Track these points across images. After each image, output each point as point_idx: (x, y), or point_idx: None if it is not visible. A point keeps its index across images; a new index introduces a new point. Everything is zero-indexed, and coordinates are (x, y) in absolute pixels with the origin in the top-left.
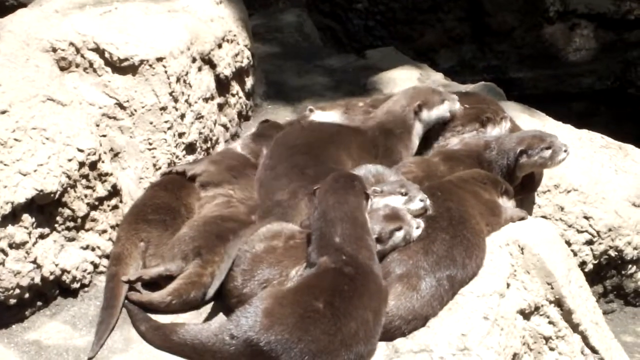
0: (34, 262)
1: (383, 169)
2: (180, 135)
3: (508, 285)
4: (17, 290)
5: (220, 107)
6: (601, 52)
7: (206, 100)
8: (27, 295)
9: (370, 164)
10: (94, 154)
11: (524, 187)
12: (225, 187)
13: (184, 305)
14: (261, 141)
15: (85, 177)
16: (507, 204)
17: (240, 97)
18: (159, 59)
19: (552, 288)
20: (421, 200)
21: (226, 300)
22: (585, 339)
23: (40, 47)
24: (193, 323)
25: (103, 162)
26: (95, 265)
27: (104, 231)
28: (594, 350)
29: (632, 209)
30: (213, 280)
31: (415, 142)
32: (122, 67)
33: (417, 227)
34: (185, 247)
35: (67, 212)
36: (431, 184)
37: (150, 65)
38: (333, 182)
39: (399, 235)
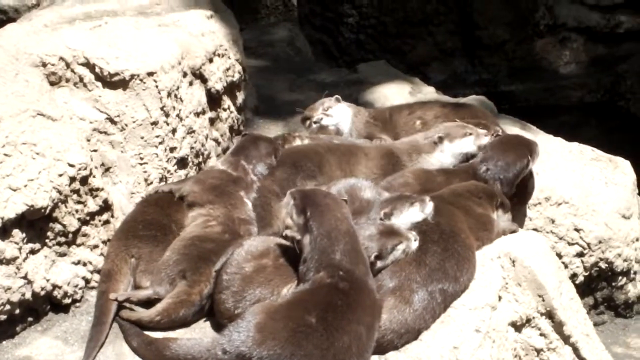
0: (25, 277)
1: (357, 182)
2: (172, 150)
3: (500, 297)
4: (8, 306)
5: (212, 121)
6: (591, 65)
7: (197, 114)
8: (17, 311)
9: (344, 179)
10: (85, 168)
11: (516, 199)
12: (207, 207)
13: (173, 323)
14: (239, 154)
15: (76, 192)
16: (503, 218)
17: (231, 112)
18: (150, 74)
19: (543, 300)
20: (430, 201)
21: (219, 321)
22: (576, 350)
23: (30, 62)
24: (185, 338)
25: (94, 177)
26: (87, 281)
27: (96, 246)
28: None
29: (622, 221)
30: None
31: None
32: (113, 82)
33: (415, 240)
34: (170, 272)
35: (58, 227)
36: None
37: (141, 80)
38: (322, 199)
39: (399, 249)
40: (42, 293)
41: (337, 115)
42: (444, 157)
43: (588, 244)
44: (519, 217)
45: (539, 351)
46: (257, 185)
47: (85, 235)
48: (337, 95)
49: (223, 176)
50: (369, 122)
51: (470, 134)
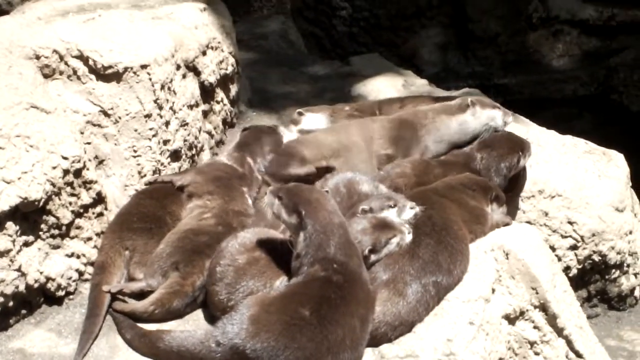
0: (19, 270)
1: (354, 176)
2: (165, 142)
3: (493, 290)
4: (1, 299)
5: (205, 114)
6: (584, 58)
7: (191, 107)
8: (11, 304)
9: (341, 173)
10: (79, 161)
11: (510, 192)
12: (205, 199)
13: (167, 314)
14: (243, 149)
15: (70, 184)
16: (497, 211)
17: (224, 104)
18: (143, 66)
19: (536, 293)
20: (411, 208)
21: (212, 313)
22: (569, 343)
23: (24, 55)
24: (179, 330)
25: (88, 169)
26: (81, 273)
27: (89, 239)
28: (578, 355)
29: (616, 214)
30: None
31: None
32: (106, 75)
33: (409, 233)
34: (163, 264)
35: (51, 219)
36: (412, 193)
37: (135, 73)
38: (311, 195)
39: (393, 242)
40: (36, 285)
41: (309, 125)
42: (472, 122)
43: (581, 237)
44: (512, 210)
45: (532, 344)
46: (260, 183)
47: (78, 227)
48: (297, 110)
49: (229, 170)
50: (352, 115)
51: (499, 108)
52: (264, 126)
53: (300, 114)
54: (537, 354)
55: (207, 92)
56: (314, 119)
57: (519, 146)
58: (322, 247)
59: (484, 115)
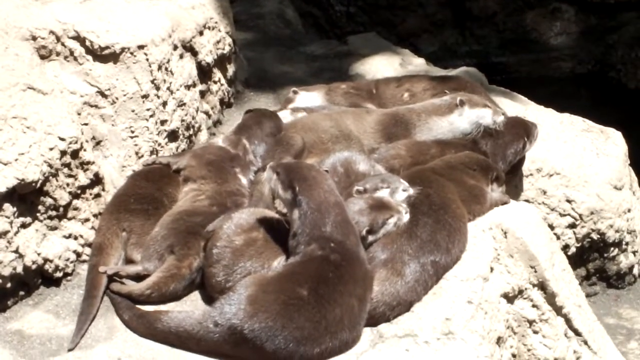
0: (16, 251)
1: (351, 155)
2: (163, 122)
3: (492, 269)
4: None
5: (202, 94)
6: (582, 36)
7: (188, 87)
8: (9, 285)
9: (338, 152)
10: (76, 142)
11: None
12: (199, 182)
13: (164, 297)
14: (242, 132)
15: (67, 165)
16: (497, 190)
17: (222, 84)
18: (141, 47)
19: (535, 271)
20: (404, 190)
21: (210, 294)
22: (568, 321)
23: (20, 36)
24: (177, 311)
25: (85, 150)
26: (78, 254)
27: (87, 220)
28: (577, 333)
29: (614, 192)
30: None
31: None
32: (103, 55)
33: (406, 213)
34: (159, 247)
35: (49, 201)
36: (410, 172)
37: (132, 53)
38: (308, 172)
39: (390, 223)
40: (34, 267)
41: (303, 103)
42: (461, 121)
43: (580, 215)
44: (510, 189)
45: (531, 322)
46: (255, 166)
47: (76, 208)
48: (293, 89)
49: (221, 153)
50: (349, 92)
51: (489, 107)
52: (266, 110)
53: (295, 92)
54: (535, 332)
55: (204, 72)
56: (308, 97)
57: (525, 131)
58: (318, 226)
59: (473, 115)
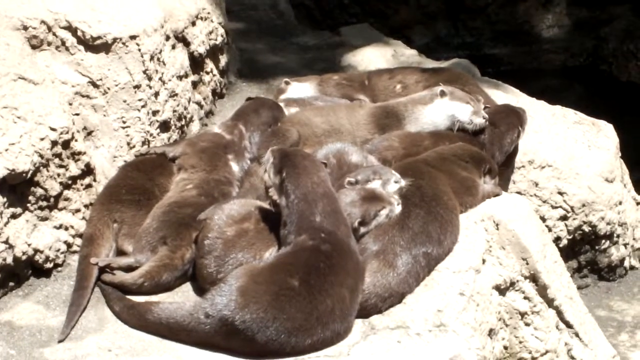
0: (6, 242)
1: (344, 147)
2: (154, 113)
3: (483, 261)
4: None
5: (195, 84)
6: (574, 28)
7: (180, 78)
8: None
9: (331, 144)
10: (67, 132)
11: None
12: (189, 171)
13: (156, 287)
14: (239, 118)
15: (58, 156)
16: (489, 182)
17: (214, 75)
18: (133, 37)
19: (527, 263)
20: (396, 182)
21: (201, 285)
22: (560, 313)
23: (11, 26)
24: (168, 302)
25: (76, 140)
26: (69, 245)
27: (78, 210)
28: (568, 325)
29: (605, 185)
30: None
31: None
32: (95, 46)
33: (398, 204)
34: (151, 239)
35: (39, 191)
36: (402, 164)
37: (124, 44)
38: (301, 160)
39: (382, 214)
40: (24, 258)
41: (295, 94)
42: (437, 112)
43: (571, 207)
44: (502, 181)
45: (522, 314)
46: (250, 153)
47: (67, 199)
48: (285, 79)
49: (215, 139)
50: (341, 83)
51: (471, 105)
52: (268, 99)
53: (287, 83)
54: (527, 324)
55: (196, 63)
56: (301, 88)
57: (519, 120)
58: (306, 215)
59: (449, 108)
